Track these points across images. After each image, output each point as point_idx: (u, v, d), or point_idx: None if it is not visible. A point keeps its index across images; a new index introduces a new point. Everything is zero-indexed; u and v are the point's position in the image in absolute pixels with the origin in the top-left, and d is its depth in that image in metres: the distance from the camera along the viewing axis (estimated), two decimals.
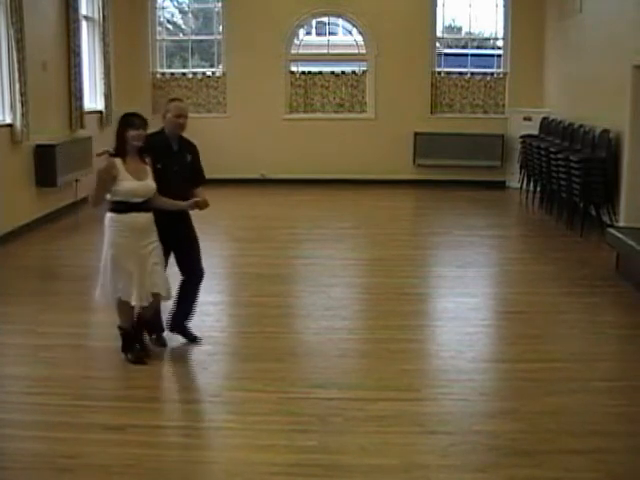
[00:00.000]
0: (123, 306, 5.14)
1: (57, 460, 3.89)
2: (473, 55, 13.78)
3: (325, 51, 13.71)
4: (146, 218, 5.06)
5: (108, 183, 4.95)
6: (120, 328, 5.23)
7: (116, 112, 12.30)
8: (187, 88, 13.51)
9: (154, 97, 13.43)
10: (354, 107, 13.57)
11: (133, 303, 5.08)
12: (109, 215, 5.05)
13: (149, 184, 5.05)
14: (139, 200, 5.01)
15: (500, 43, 13.50)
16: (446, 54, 13.54)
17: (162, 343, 5.51)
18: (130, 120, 5.04)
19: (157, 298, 5.18)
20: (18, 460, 3.94)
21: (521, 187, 12.04)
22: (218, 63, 13.72)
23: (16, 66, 8.79)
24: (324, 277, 7.49)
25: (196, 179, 5.45)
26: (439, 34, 13.40)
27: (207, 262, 8.06)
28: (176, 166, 5.29)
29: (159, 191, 5.10)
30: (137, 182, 4.99)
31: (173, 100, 5.57)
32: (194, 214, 5.44)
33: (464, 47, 14.02)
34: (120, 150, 5.01)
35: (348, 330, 5.94)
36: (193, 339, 5.56)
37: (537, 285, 7.21)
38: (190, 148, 5.46)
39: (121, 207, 4.99)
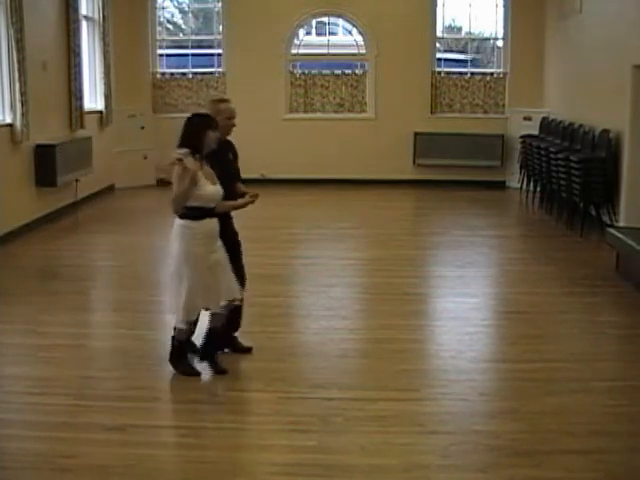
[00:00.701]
0: (194, 318, 4.95)
1: (57, 460, 3.89)
2: (473, 60, 13.81)
3: (325, 51, 13.71)
4: (216, 223, 4.88)
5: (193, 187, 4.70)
6: (176, 338, 5.00)
7: (116, 112, 12.33)
8: (187, 88, 13.51)
9: (154, 97, 13.44)
10: (354, 107, 13.56)
11: (213, 310, 4.92)
12: (183, 222, 4.76)
13: (220, 189, 4.86)
14: (212, 205, 4.81)
15: (500, 43, 13.50)
16: (446, 59, 13.54)
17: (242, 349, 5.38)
18: (209, 121, 4.79)
19: (229, 305, 4.97)
20: (18, 460, 3.94)
21: (521, 187, 12.03)
22: (218, 63, 13.72)
23: (16, 66, 8.78)
24: (324, 277, 7.49)
25: (237, 176, 5.33)
26: (439, 34, 13.40)
27: None
28: (228, 167, 5.15)
29: None
30: (214, 186, 4.80)
31: (221, 101, 5.30)
32: None
33: (463, 50, 14.03)
34: (200, 153, 4.74)
35: (348, 330, 5.94)
36: (246, 350, 5.38)
37: (537, 285, 7.21)
38: (230, 147, 5.30)
39: (196, 213, 4.73)
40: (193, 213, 4.75)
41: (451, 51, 14.04)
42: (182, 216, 4.78)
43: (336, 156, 13.21)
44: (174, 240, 4.82)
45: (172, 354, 5.04)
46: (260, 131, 13.11)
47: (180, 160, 4.68)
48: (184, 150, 4.74)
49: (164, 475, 3.83)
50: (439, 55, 13.44)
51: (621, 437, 4.16)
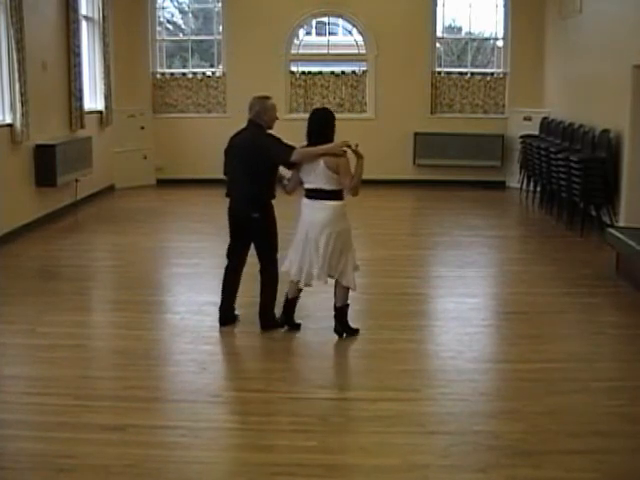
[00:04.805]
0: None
1: (57, 460, 3.89)
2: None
3: (325, 51, 13.71)
4: None
5: None
6: (345, 305, 5.91)
7: (116, 112, 12.33)
8: (187, 88, 13.51)
9: (154, 97, 13.43)
10: (354, 107, 13.57)
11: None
12: (343, 202, 5.91)
13: None
14: None
15: (500, 43, 13.51)
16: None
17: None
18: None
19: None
20: (18, 460, 3.94)
21: (521, 187, 12.04)
22: (218, 63, 13.72)
23: (16, 66, 8.78)
24: None
25: None
26: (439, 34, 13.40)
27: (207, 262, 8.10)
28: None
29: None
30: None
31: (267, 98, 6.12)
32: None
33: (463, 49, 14.04)
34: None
35: None
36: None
37: (537, 285, 7.21)
38: None
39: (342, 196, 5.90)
40: (341, 195, 5.74)
41: None
42: (340, 198, 5.80)
43: None
44: (340, 217, 5.87)
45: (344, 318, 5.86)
46: None
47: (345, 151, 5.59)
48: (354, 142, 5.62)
49: (164, 475, 3.82)
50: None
51: (621, 437, 4.17)
